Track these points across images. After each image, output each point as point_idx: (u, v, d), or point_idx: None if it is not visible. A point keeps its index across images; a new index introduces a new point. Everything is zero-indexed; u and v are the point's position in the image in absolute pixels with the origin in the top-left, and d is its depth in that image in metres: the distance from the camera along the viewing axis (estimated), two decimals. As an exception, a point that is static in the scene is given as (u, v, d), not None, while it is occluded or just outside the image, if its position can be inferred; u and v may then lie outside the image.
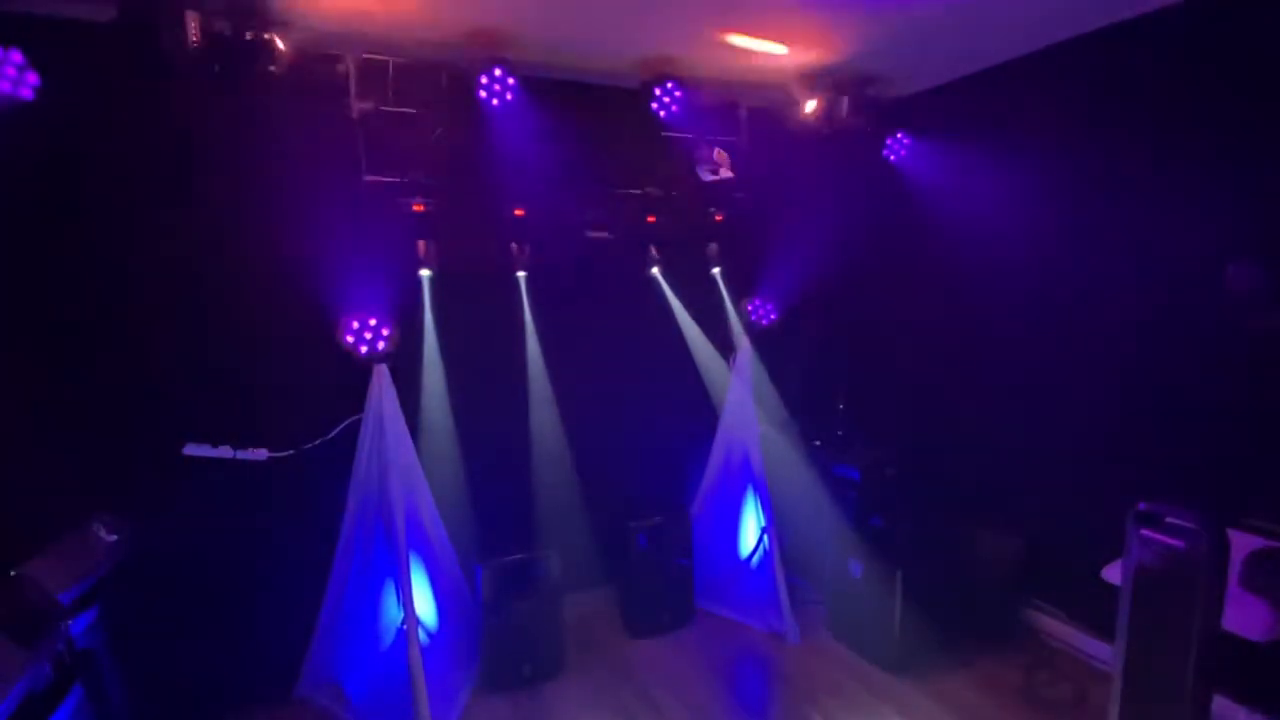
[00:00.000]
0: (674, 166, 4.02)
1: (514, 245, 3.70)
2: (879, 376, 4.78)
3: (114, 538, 2.66)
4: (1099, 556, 2.87)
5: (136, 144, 2.91)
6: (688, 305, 4.21)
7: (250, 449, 3.20)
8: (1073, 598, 3.75)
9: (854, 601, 3.78)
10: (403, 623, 3.18)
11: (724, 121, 4.07)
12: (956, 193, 4.03)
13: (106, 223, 2.95)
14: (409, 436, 3.34)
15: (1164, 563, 2.15)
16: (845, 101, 3.97)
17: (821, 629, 4.02)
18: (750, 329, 4.13)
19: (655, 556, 4.02)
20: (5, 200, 2.73)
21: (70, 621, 2.36)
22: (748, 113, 4.15)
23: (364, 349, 3.11)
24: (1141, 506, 2.30)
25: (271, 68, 2.79)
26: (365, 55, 3.15)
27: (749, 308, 4.14)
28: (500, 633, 3.50)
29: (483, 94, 3.21)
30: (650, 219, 4.07)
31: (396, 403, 3.25)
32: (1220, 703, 2.94)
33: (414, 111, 3.29)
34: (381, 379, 3.21)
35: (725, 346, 4.26)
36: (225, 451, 3.14)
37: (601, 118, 3.77)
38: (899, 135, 4.19)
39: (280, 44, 2.82)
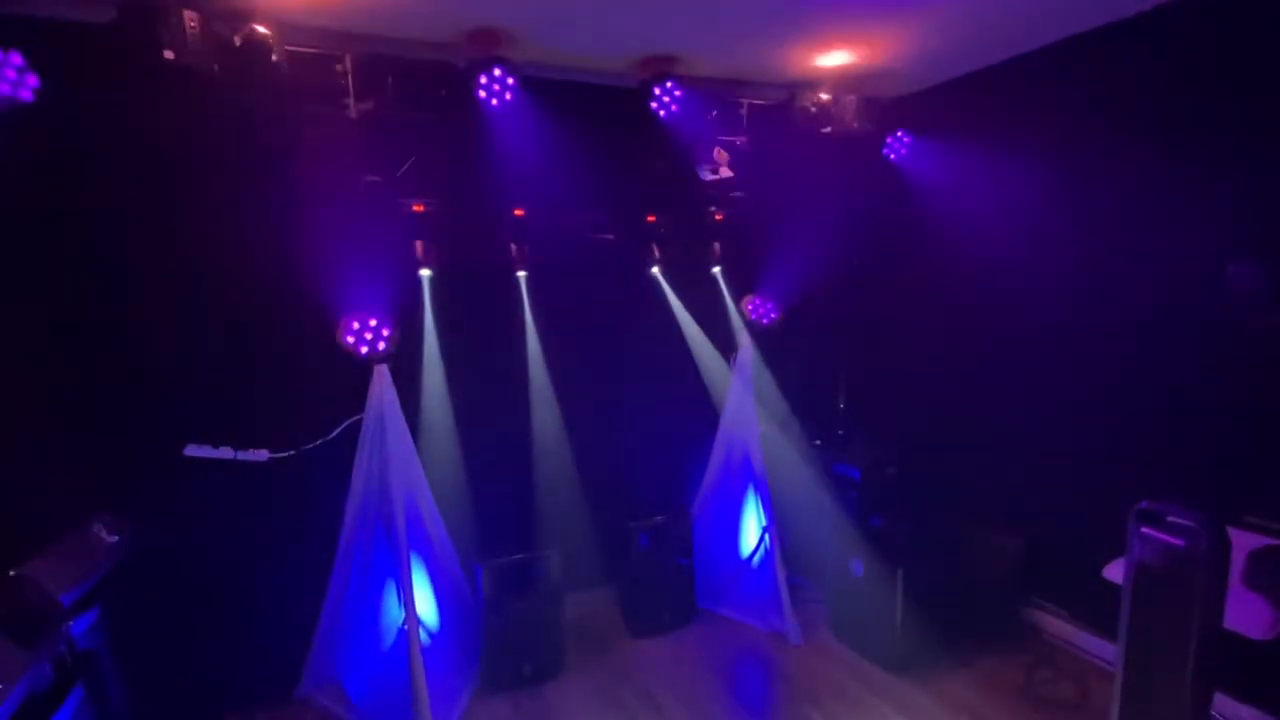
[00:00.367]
0: (674, 166, 4.01)
1: (514, 245, 3.69)
2: (879, 375, 4.78)
3: (115, 538, 2.66)
4: (1100, 555, 2.87)
5: (136, 145, 2.91)
6: (688, 305, 4.21)
7: (251, 450, 3.20)
8: (1074, 596, 3.75)
9: (855, 601, 3.78)
10: (404, 623, 3.18)
11: (724, 120, 4.06)
12: (957, 191, 4.03)
13: (106, 223, 2.95)
14: (409, 437, 3.34)
15: (1165, 561, 2.15)
16: (846, 100, 3.97)
17: (823, 628, 4.02)
18: (751, 328, 4.13)
19: (656, 556, 4.02)
20: (6, 201, 2.73)
21: (71, 622, 2.36)
22: (748, 111, 4.14)
23: (364, 349, 3.11)
24: (1143, 505, 2.29)
25: (270, 68, 2.78)
26: (364, 55, 3.14)
27: (749, 307, 4.14)
28: (501, 632, 3.50)
29: (482, 94, 3.21)
30: (650, 218, 4.06)
31: (397, 403, 3.25)
32: (1223, 701, 2.95)
33: (413, 112, 3.29)
34: (382, 379, 3.21)
35: (726, 346, 4.25)
36: (226, 452, 3.15)
37: (601, 117, 3.77)
38: (899, 134, 4.18)
39: (279, 45, 2.82)
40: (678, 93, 3.60)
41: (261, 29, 2.77)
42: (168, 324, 3.10)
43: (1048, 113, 3.65)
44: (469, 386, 3.70)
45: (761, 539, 4.20)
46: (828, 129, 4.01)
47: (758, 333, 4.15)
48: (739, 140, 4.13)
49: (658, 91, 3.59)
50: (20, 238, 2.82)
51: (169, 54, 2.55)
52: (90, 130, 2.82)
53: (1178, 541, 2.11)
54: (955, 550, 3.76)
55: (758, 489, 4.17)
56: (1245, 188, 2.91)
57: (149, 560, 2.88)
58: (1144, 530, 2.26)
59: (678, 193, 4.09)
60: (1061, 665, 3.57)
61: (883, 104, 4.17)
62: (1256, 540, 2.63)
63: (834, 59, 3.61)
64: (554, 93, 3.48)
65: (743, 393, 4.17)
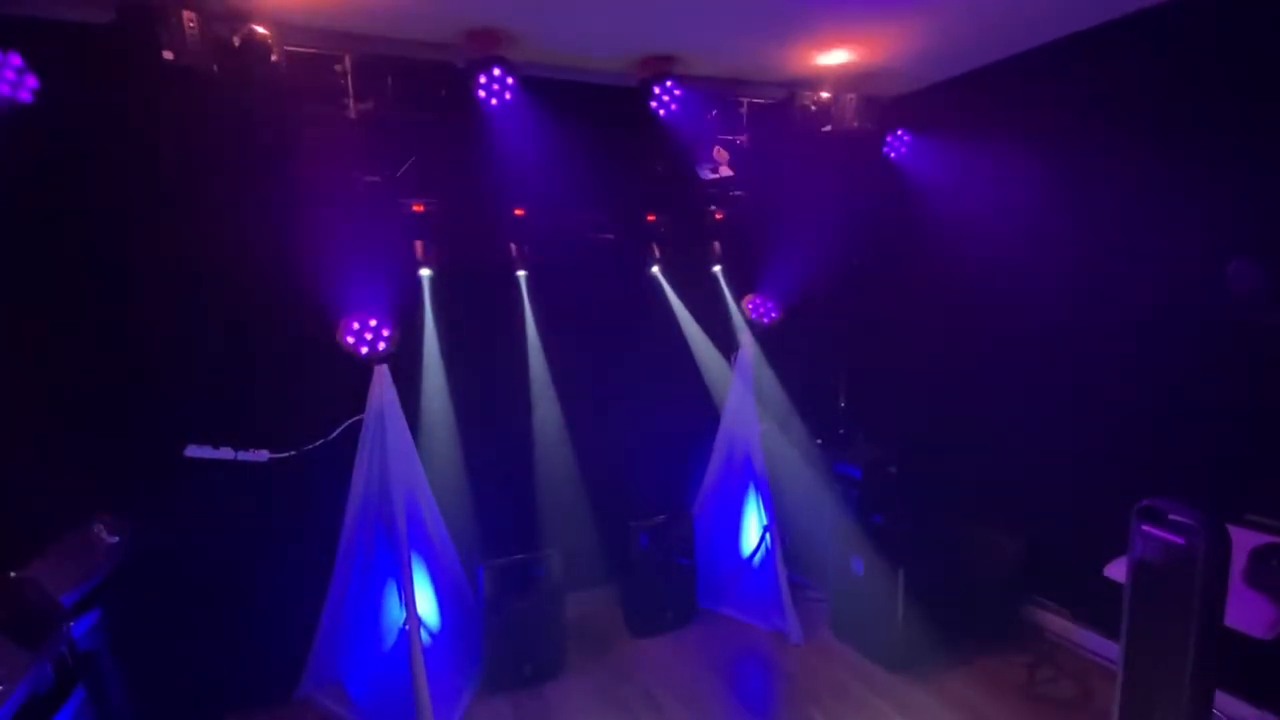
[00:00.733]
0: (674, 165, 4.01)
1: (513, 245, 3.69)
2: (880, 374, 4.78)
3: (115, 539, 2.66)
4: (1101, 554, 2.87)
5: (135, 146, 2.90)
6: (689, 304, 4.20)
7: (251, 450, 3.20)
8: (1075, 595, 3.74)
9: (856, 600, 3.78)
10: (404, 623, 3.18)
11: (724, 119, 4.06)
12: (957, 190, 4.03)
13: (106, 224, 2.95)
14: (410, 437, 3.33)
15: (1166, 559, 2.15)
16: (846, 99, 3.96)
17: (824, 627, 4.02)
18: (751, 327, 4.13)
19: (657, 555, 4.01)
20: (5, 202, 2.73)
21: (72, 623, 2.36)
22: (747, 110, 4.14)
23: (364, 350, 3.11)
24: (1144, 503, 2.29)
25: (269, 69, 2.78)
26: (363, 56, 3.14)
27: (749, 306, 4.14)
28: (502, 632, 3.50)
29: (481, 94, 3.20)
30: (650, 218, 4.06)
31: (397, 403, 3.25)
32: (1226, 700, 2.95)
33: (413, 112, 3.29)
34: (382, 379, 3.21)
35: (726, 345, 4.25)
36: (226, 453, 3.14)
37: (601, 117, 3.76)
38: (899, 132, 4.18)
39: (278, 45, 2.81)
40: (677, 92, 3.60)
41: (260, 29, 2.77)
42: (168, 324, 3.10)
43: (1048, 111, 3.64)
44: (469, 386, 3.70)
45: (762, 538, 4.20)
46: (828, 128, 4.01)
47: (758, 332, 4.15)
48: (739, 139, 4.13)
49: (657, 91, 3.58)
50: (20, 238, 2.82)
51: (168, 54, 2.55)
52: (89, 131, 2.82)
53: (1178, 539, 2.11)
54: (956, 549, 3.75)
55: (758, 488, 4.17)
56: (1245, 187, 2.90)
57: (149, 561, 2.88)
58: (1145, 528, 2.25)
59: (678, 192, 4.08)
60: (1063, 664, 3.57)
61: (883, 102, 4.17)
62: (1259, 538, 2.62)
63: (834, 58, 3.61)
64: (554, 92, 3.48)
65: (743, 392, 4.16)
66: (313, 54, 3.06)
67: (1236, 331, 2.94)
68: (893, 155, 4.23)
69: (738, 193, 4.19)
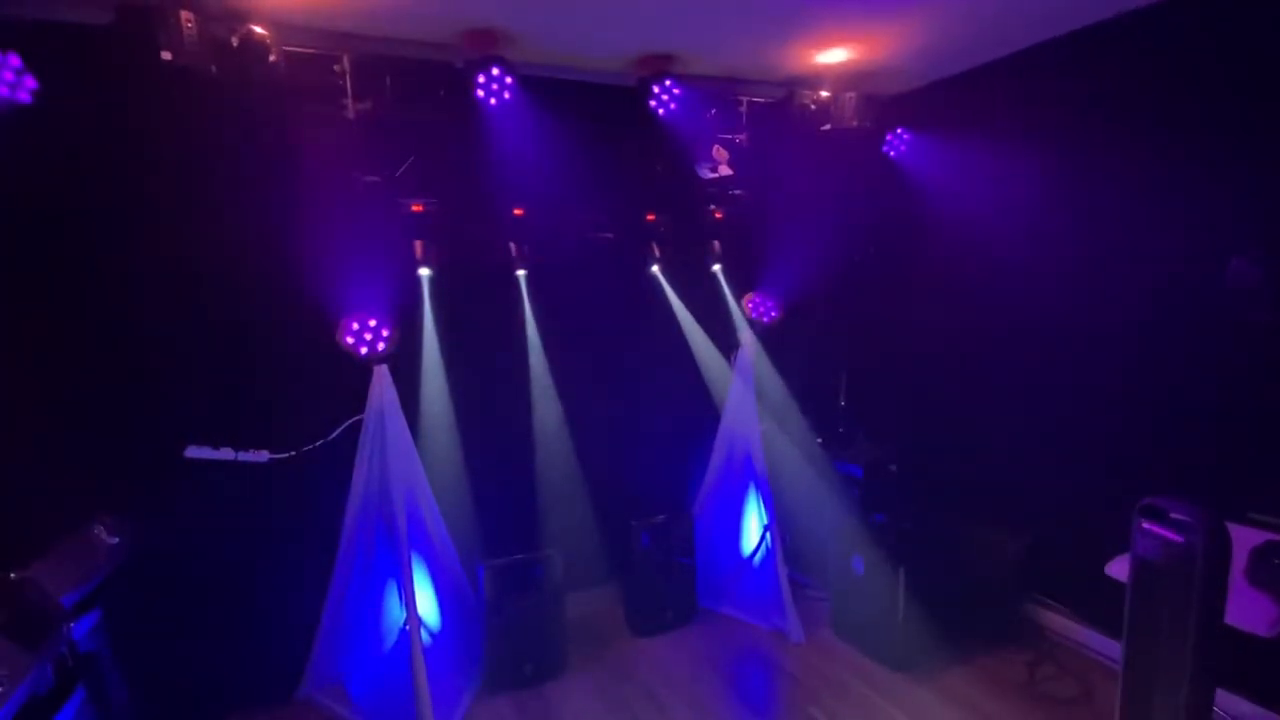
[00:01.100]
0: (673, 164, 4.01)
1: (513, 244, 3.69)
2: (881, 373, 4.78)
3: (115, 540, 2.66)
4: (1102, 552, 2.87)
5: (134, 146, 2.90)
6: (688, 303, 4.20)
7: (251, 451, 3.20)
8: (1076, 593, 3.74)
9: (857, 599, 3.77)
10: (405, 623, 3.18)
11: (723, 118, 4.06)
12: (957, 188, 4.02)
13: (105, 224, 2.94)
14: (410, 437, 3.33)
15: (1167, 557, 2.15)
16: (845, 97, 3.96)
17: (825, 626, 4.02)
18: (751, 326, 4.13)
19: (657, 555, 4.01)
20: (5, 203, 2.73)
21: (72, 624, 2.36)
22: (747, 109, 4.14)
23: (364, 350, 3.11)
24: (1146, 500, 2.29)
25: (268, 69, 2.78)
26: (362, 56, 3.14)
27: (749, 305, 4.13)
28: (503, 632, 3.50)
29: (480, 93, 3.20)
30: (650, 217, 4.06)
31: (397, 403, 3.25)
32: (1228, 698, 2.94)
33: (412, 112, 3.29)
34: (382, 380, 3.21)
35: (726, 344, 4.25)
36: (226, 453, 3.14)
37: (600, 116, 3.76)
38: (899, 131, 4.17)
39: (276, 45, 2.81)
40: (676, 91, 3.60)
41: (259, 29, 2.77)
42: (168, 324, 3.09)
43: (1047, 109, 3.64)
44: (469, 386, 3.70)
45: (763, 537, 4.20)
46: (827, 126, 4.00)
47: (758, 331, 4.15)
48: (738, 138, 4.13)
49: (656, 90, 3.58)
50: (20, 239, 2.82)
51: (166, 55, 2.55)
52: (89, 132, 2.82)
53: (1179, 537, 2.11)
54: (957, 548, 3.75)
55: (759, 487, 4.17)
56: (1246, 187, 2.90)
57: (150, 561, 2.88)
58: (1146, 526, 2.25)
59: (677, 191, 4.08)
60: (1064, 662, 3.57)
61: (882, 101, 4.17)
62: (1260, 536, 2.62)
63: (833, 56, 3.60)
64: (552, 92, 3.47)
65: (743, 391, 4.16)
66: (311, 54, 3.06)
67: (1237, 330, 2.94)
68: (892, 154, 4.22)
69: (737, 192, 4.18)
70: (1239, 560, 2.43)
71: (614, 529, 4.10)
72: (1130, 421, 3.40)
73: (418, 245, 3.41)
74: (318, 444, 3.31)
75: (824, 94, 3.95)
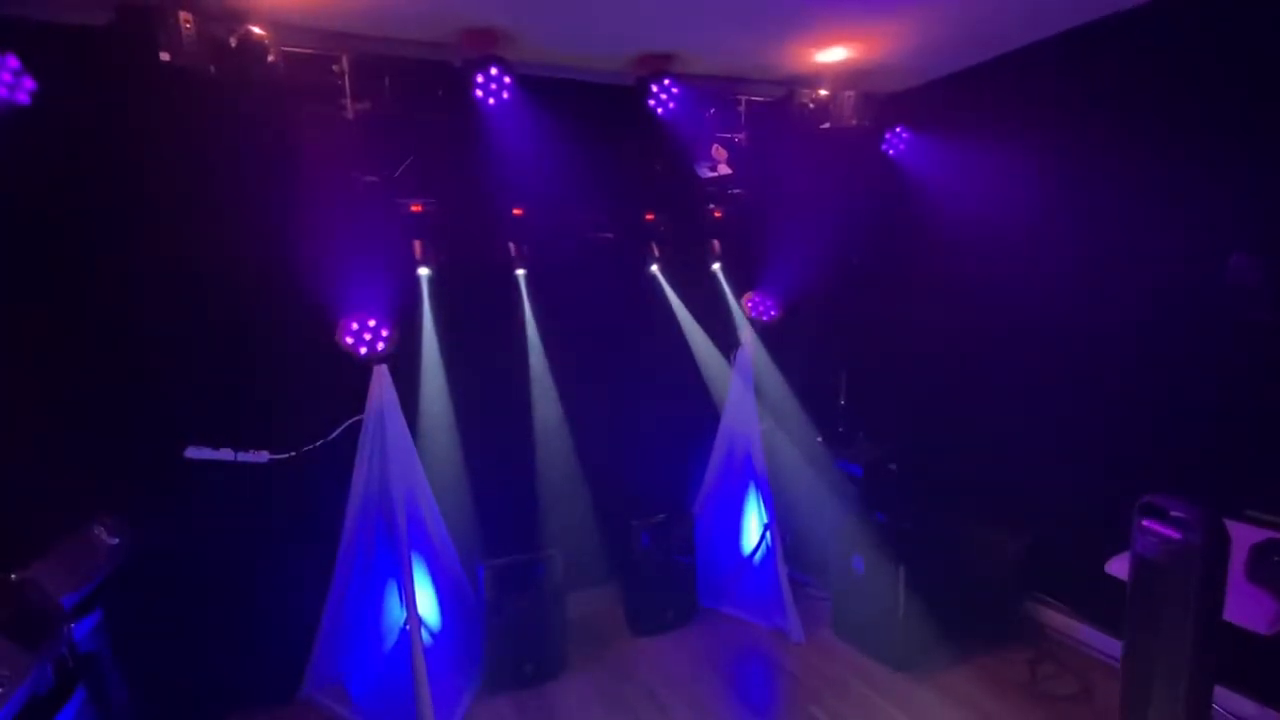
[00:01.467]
0: (672, 163, 4.01)
1: (512, 244, 3.69)
2: (880, 372, 4.77)
3: (116, 540, 2.66)
4: (1102, 550, 2.87)
5: (133, 147, 2.90)
6: (688, 303, 4.20)
7: (251, 451, 3.20)
8: (1077, 592, 3.74)
9: (857, 598, 3.77)
10: (405, 623, 3.18)
11: (722, 117, 4.05)
12: (956, 187, 4.02)
13: (105, 225, 2.95)
14: (410, 437, 3.33)
15: (1166, 555, 2.15)
16: (844, 96, 3.96)
17: (825, 626, 4.02)
18: (750, 325, 4.13)
19: (658, 554, 4.01)
20: (4, 203, 2.73)
21: (73, 624, 2.37)
22: (746, 108, 4.13)
23: (363, 350, 3.11)
24: (1145, 498, 2.29)
25: (266, 69, 2.78)
26: (360, 56, 3.14)
27: (749, 304, 4.13)
28: (503, 632, 3.50)
29: (479, 93, 3.20)
30: (649, 216, 4.06)
31: (397, 403, 3.25)
32: (1228, 696, 2.94)
33: (410, 111, 3.29)
34: (381, 380, 3.21)
35: (726, 343, 4.25)
36: (226, 454, 3.14)
37: (599, 115, 3.76)
38: (898, 129, 4.17)
39: (275, 45, 2.81)
40: (675, 90, 3.60)
41: (257, 30, 2.77)
42: (167, 324, 3.09)
43: (1046, 107, 3.64)
44: (469, 386, 3.70)
45: (763, 537, 4.20)
46: (826, 125, 4.00)
47: (758, 330, 4.15)
48: (737, 137, 4.13)
49: (655, 89, 3.58)
50: (19, 239, 2.82)
51: (165, 55, 2.55)
52: (87, 132, 2.82)
53: (1178, 535, 2.11)
54: (957, 546, 3.75)
55: (759, 486, 4.17)
56: (1246, 185, 2.90)
57: (150, 562, 2.88)
58: (1145, 524, 2.25)
59: (676, 190, 4.08)
60: (1065, 660, 3.57)
61: (881, 99, 4.16)
62: (1260, 534, 2.62)
63: (832, 55, 3.60)
64: (551, 91, 3.47)
65: (743, 390, 4.16)
66: (310, 54, 3.05)
67: (1236, 329, 2.93)
68: (891, 152, 4.22)
69: (736, 191, 4.18)
70: (1239, 558, 2.43)
71: (614, 528, 4.10)
72: (1130, 420, 3.39)
73: (417, 245, 3.41)
74: (318, 444, 3.31)
75: (823, 93, 3.95)
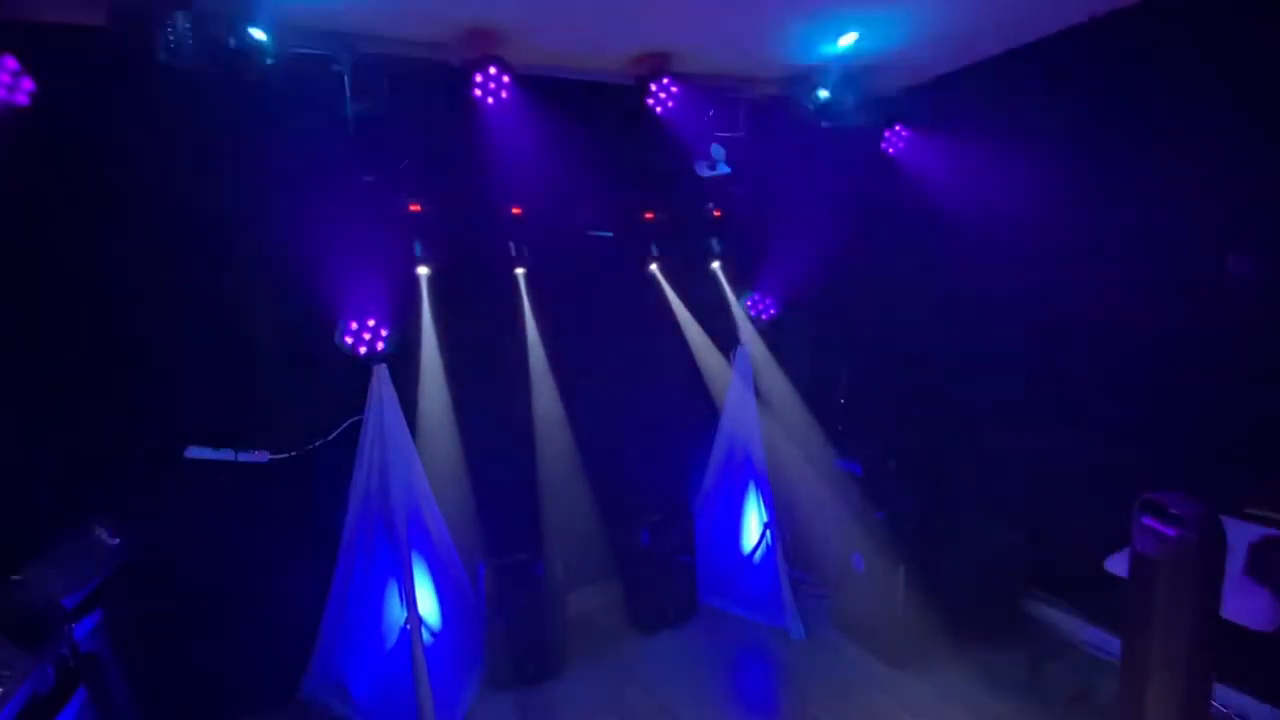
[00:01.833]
0: (672, 162, 4.00)
1: (512, 243, 3.69)
2: (880, 370, 4.77)
3: (116, 540, 2.66)
4: (1102, 548, 2.87)
5: (132, 146, 2.91)
6: (687, 301, 4.19)
7: (251, 451, 3.20)
8: (1076, 589, 3.74)
9: (858, 596, 3.78)
10: (406, 622, 3.19)
11: (721, 116, 4.05)
12: (955, 185, 4.01)
13: (104, 225, 2.95)
14: (410, 436, 3.33)
15: (1164, 552, 2.15)
16: (843, 94, 3.95)
17: (825, 623, 4.02)
18: (750, 324, 4.13)
19: (658, 553, 4.02)
20: (3, 204, 2.73)
21: (73, 625, 2.37)
22: (745, 107, 4.13)
23: (363, 349, 3.11)
24: (1145, 496, 2.29)
25: (265, 69, 2.78)
26: (359, 56, 3.13)
27: (748, 303, 4.13)
28: (504, 631, 3.51)
29: (478, 92, 3.20)
30: (648, 215, 4.05)
31: (397, 402, 3.25)
32: (1228, 694, 2.94)
33: (409, 111, 3.28)
34: (381, 379, 3.21)
35: (725, 342, 4.25)
36: (226, 454, 3.15)
37: (598, 114, 3.76)
38: (897, 128, 4.16)
39: (274, 45, 2.81)
40: (674, 89, 3.59)
41: (256, 30, 2.76)
42: (167, 325, 3.10)
43: (1046, 105, 3.63)
44: (469, 385, 3.70)
45: (763, 535, 4.20)
46: (825, 123, 3.99)
47: (757, 328, 4.15)
48: (737, 136, 4.12)
49: (654, 88, 3.57)
50: (18, 240, 2.82)
51: (163, 56, 2.54)
52: (86, 133, 2.82)
53: (1174, 532, 2.11)
54: (957, 544, 3.75)
55: (759, 484, 4.17)
56: (1247, 179, 2.89)
57: (151, 562, 2.88)
58: (1145, 521, 2.25)
59: (676, 189, 4.08)
60: (1064, 658, 3.57)
61: (881, 98, 4.15)
62: (1259, 532, 2.62)
63: (831, 53, 3.59)
64: (550, 90, 3.47)
65: (743, 389, 4.16)
66: (309, 54, 3.05)
67: (1237, 327, 2.93)
68: (890, 151, 4.22)
69: (736, 189, 4.18)
70: (1238, 555, 2.44)
71: (614, 527, 4.11)
72: (1130, 417, 3.39)
73: (416, 244, 3.40)
74: (318, 444, 3.32)
75: (822, 91, 3.94)
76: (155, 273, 3.04)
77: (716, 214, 4.16)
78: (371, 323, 3.11)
